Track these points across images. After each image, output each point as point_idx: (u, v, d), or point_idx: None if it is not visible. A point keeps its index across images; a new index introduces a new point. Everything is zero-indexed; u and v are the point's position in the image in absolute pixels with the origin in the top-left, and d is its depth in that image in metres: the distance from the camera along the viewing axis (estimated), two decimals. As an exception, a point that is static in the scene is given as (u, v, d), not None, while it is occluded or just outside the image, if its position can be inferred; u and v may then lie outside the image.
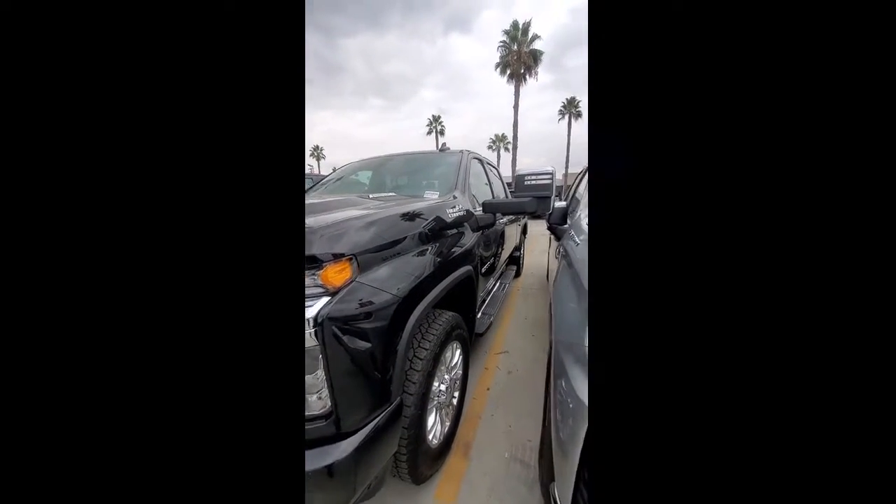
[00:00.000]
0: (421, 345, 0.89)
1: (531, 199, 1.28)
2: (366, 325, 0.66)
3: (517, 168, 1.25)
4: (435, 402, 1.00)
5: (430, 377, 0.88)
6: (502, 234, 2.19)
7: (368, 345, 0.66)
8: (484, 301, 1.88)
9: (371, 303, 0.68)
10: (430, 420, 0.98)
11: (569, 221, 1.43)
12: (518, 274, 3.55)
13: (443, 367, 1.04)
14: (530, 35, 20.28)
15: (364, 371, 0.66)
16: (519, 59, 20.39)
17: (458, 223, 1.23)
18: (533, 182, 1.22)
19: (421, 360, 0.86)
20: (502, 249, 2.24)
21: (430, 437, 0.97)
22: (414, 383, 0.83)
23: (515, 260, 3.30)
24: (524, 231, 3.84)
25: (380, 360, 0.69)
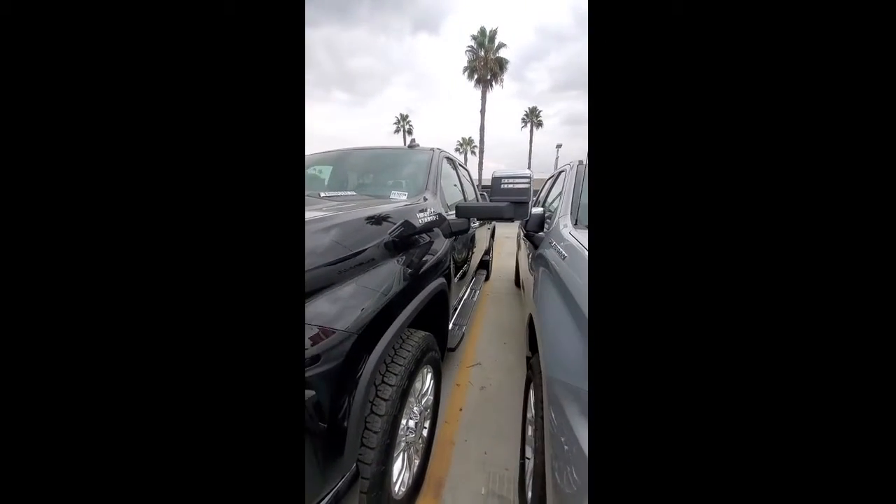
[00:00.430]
0: (386, 380, 0.72)
1: (509, 205, 1.18)
2: (308, 373, 0.48)
3: (493, 171, 1.14)
4: (402, 444, 0.84)
5: (395, 422, 0.72)
6: (473, 238, 2.09)
7: (312, 394, 0.48)
8: (456, 310, 1.75)
9: (318, 340, 0.50)
10: (397, 467, 0.81)
11: (546, 228, 1.36)
12: (487, 277, 3.51)
13: (412, 399, 0.88)
14: (496, 43, 20.90)
15: (308, 436, 0.48)
16: (486, 65, 20.89)
17: (428, 228, 1.08)
18: (510, 186, 1.11)
19: (386, 400, 0.70)
20: (473, 254, 2.14)
21: (397, 487, 0.80)
22: (376, 433, 0.66)
23: (485, 264, 3.24)
24: (492, 234, 3.82)
25: (328, 417, 0.51)
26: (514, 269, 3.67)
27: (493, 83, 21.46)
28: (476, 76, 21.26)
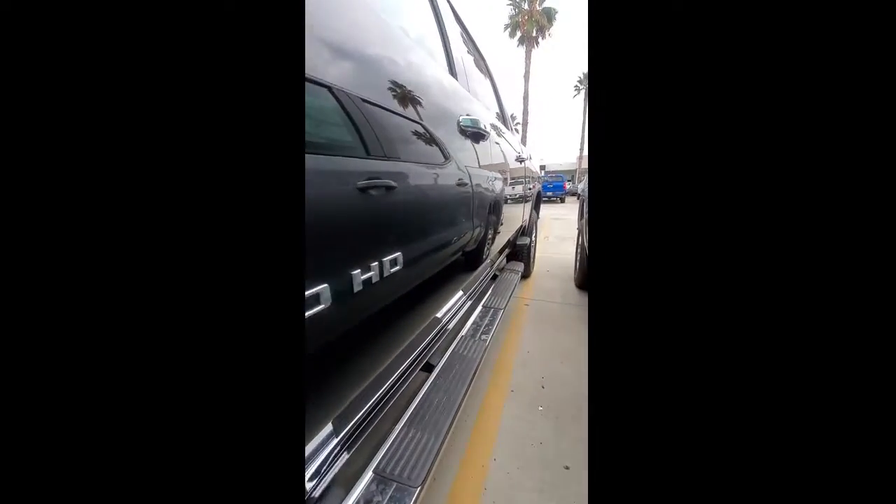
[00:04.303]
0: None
1: None
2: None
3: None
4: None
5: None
6: (495, 207, 0.84)
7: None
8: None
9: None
10: None
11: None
12: (527, 274, 2.20)
13: None
14: (545, -11, 17.78)
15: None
16: (531, 17, 17.99)
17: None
18: None
19: None
20: (495, 233, 0.89)
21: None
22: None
23: (520, 251, 1.92)
24: (536, 205, 2.45)
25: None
26: (574, 260, 2.31)
27: (540, 39, 18.52)
28: (519, 33, 18.53)
